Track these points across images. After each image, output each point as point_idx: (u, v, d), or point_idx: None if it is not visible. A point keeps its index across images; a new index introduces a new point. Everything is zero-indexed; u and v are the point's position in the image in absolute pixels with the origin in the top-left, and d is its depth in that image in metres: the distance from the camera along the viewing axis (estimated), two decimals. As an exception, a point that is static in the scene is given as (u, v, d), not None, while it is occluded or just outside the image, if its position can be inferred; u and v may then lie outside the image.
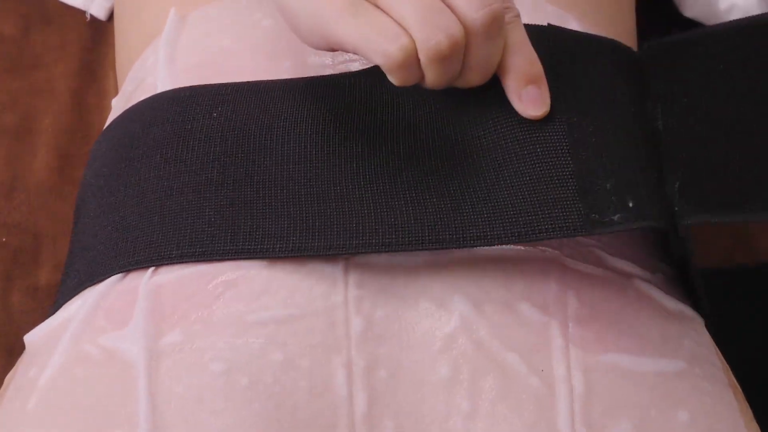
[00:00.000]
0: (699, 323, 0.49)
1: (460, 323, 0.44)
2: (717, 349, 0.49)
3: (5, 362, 0.63)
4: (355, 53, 0.43)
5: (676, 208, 0.45)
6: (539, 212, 0.43)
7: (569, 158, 0.45)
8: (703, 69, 0.49)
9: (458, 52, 0.42)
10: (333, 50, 0.45)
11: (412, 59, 0.42)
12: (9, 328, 0.65)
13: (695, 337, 0.47)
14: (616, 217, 0.43)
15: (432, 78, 0.43)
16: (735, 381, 0.49)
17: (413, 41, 0.42)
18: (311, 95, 0.49)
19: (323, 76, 0.49)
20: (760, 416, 0.49)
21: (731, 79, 0.48)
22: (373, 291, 0.45)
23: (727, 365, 0.49)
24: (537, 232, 0.43)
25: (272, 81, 0.50)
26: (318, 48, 0.45)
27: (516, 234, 0.43)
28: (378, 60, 0.42)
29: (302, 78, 0.50)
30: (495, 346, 0.44)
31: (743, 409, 0.47)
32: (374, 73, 0.48)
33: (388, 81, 0.43)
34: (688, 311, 0.48)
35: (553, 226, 0.43)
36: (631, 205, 0.43)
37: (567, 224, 0.43)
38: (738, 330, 0.54)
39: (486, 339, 0.44)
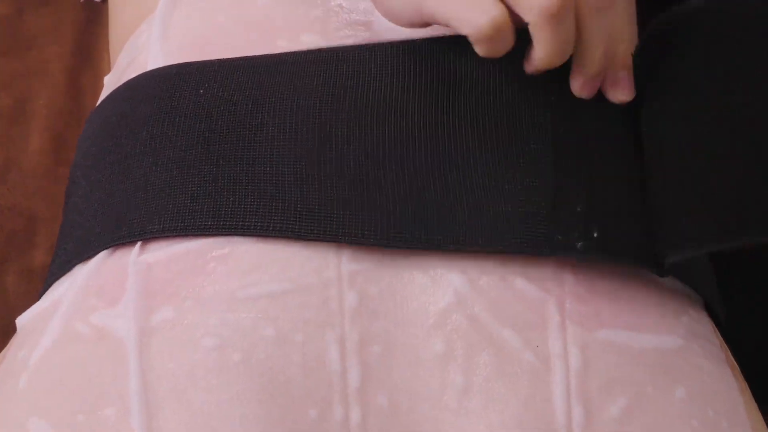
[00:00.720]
0: (697, 301, 0.49)
1: (454, 299, 0.44)
2: (715, 327, 0.49)
3: (0, 344, 0.62)
4: (446, 26, 0.43)
5: (663, 238, 0.44)
6: (512, 223, 0.44)
7: (551, 172, 0.45)
8: (703, 53, 0.46)
9: (569, 11, 0.41)
10: (427, 25, 0.45)
11: (501, 32, 0.42)
12: (4, 310, 0.65)
13: (693, 315, 0.47)
14: (579, 245, 0.43)
15: (544, 47, 0.42)
16: (733, 360, 0.49)
17: (505, 13, 0.41)
18: (300, 71, 0.48)
19: (312, 50, 0.49)
20: (759, 401, 0.48)
21: (738, 65, 0.46)
22: (367, 266, 0.44)
23: (725, 344, 0.49)
24: (507, 244, 0.44)
25: (260, 56, 0.49)
26: (412, 25, 0.45)
27: (489, 242, 0.44)
28: (466, 31, 0.42)
29: (291, 53, 0.49)
30: (490, 322, 0.43)
31: (742, 388, 0.47)
32: (364, 48, 0.48)
33: (376, 57, 0.42)
34: (686, 289, 0.48)
35: (521, 239, 0.43)
36: (595, 235, 0.44)
37: (532, 241, 0.43)
38: (735, 312, 0.53)
39: (481, 315, 0.43)
